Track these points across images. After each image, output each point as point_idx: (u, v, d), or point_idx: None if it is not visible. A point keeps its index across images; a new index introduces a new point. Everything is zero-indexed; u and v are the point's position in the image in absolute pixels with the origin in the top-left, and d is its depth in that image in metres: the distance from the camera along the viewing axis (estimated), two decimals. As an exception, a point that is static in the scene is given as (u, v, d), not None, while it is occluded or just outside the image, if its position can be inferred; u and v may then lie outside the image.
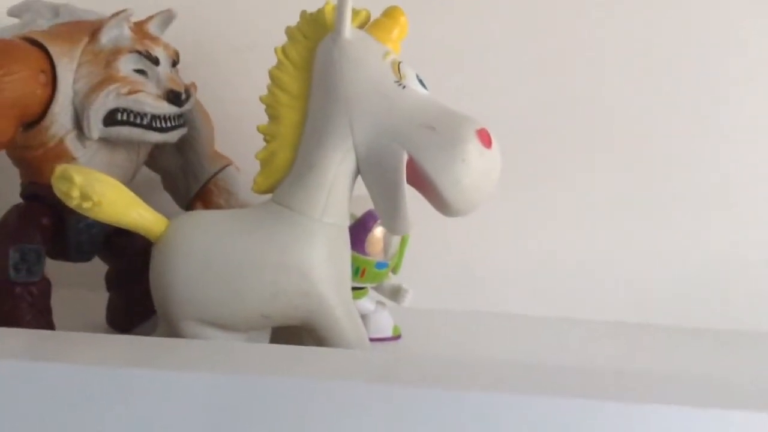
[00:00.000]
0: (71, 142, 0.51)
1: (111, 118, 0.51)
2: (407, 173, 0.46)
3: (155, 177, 0.62)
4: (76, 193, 0.43)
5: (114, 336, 0.47)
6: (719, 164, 0.71)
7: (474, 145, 0.46)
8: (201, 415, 0.39)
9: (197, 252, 0.47)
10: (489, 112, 0.67)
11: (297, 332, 0.50)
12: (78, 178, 0.43)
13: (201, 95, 0.59)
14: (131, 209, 0.46)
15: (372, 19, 0.51)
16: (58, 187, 0.44)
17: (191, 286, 0.46)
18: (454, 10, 0.71)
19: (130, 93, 0.51)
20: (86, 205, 0.44)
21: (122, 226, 0.47)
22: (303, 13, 0.50)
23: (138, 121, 0.51)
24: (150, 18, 0.55)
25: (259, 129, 0.50)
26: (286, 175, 0.49)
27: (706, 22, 0.71)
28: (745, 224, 0.71)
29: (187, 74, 0.58)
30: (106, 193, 0.45)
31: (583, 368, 0.44)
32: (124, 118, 0.51)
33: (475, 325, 0.68)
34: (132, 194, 0.47)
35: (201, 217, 0.49)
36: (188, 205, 0.59)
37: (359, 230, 0.57)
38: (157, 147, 0.57)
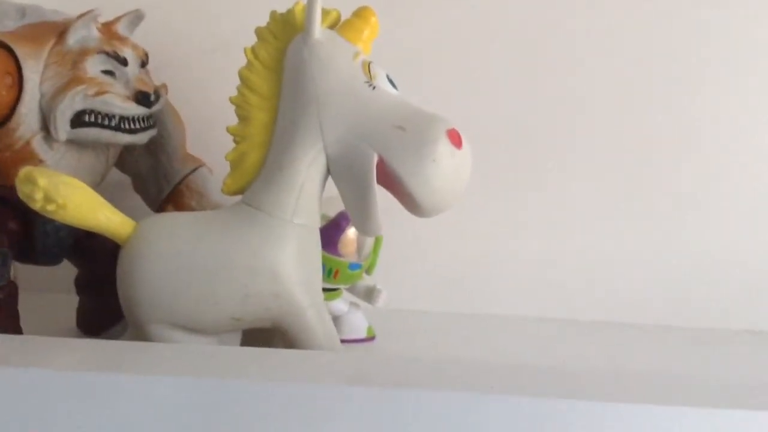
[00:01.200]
0: (38, 144, 0.51)
1: (78, 120, 0.50)
2: (378, 174, 0.46)
3: (126, 179, 0.61)
4: (39, 196, 0.43)
5: (82, 340, 0.46)
6: (708, 166, 0.71)
7: (444, 146, 0.46)
8: (172, 420, 0.39)
9: (165, 254, 0.46)
10: (465, 112, 0.69)
11: (268, 334, 0.50)
12: (42, 181, 0.43)
13: (173, 96, 0.59)
14: (97, 212, 0.46)
15: (343, 20, 0.51)
16: (22, 190, 0.43)
17: (159, 289, 0.46)
18: (434, 11, 0.71)
19: (97, 94, 0.50)
20: (50, 207, 0.43)
21: (88, 229, 0.46)
22: (273, 14, 0.50)
23: (106, 122, 0.51)
24: (118, 18, 0.54)
25: (228, 130, 0.50)
26: (257, 177, 0.49)
27: (684, 24, 0.71)
28: (735, 224, 0.72)
29: (158, 75, 0.58)
30: (71, 195, 0.44)
31: (561, 368, 0.44)
32: (92, 119, 0.51)
33: (450, 326, 0.68)
34: (98, 197, 0.46)
35: (169, 219, 0.48)
36: (159, 207, 0.59)
37: (332, 231, 0.57)
38: (128, 149, 0.57)
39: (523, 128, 0.72)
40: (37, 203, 0.43)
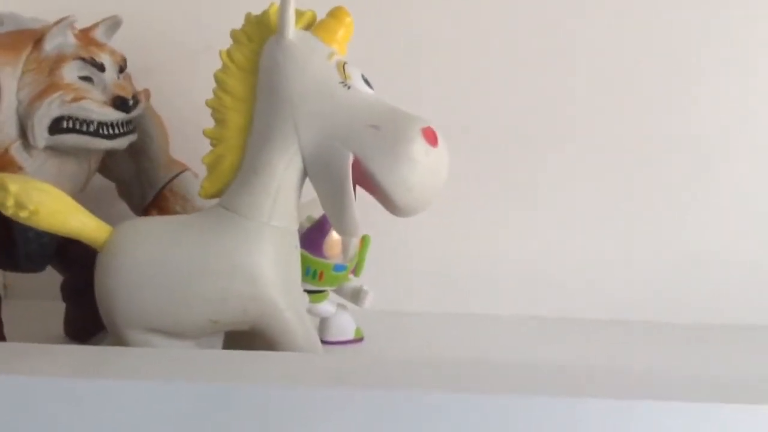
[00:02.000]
0: (17, 152, 0.51)
1: (57, 126, 0.51)
2: (355, 174, 0.46)
3: (111, 185, 0.61)
4: (10, 202, 0.43)
5: (62, 346, 0.47)
6: (708, 165, 0.70)
7: (419, 144, 0.45)
8: (154, 425, 0.39)
9: (141, 259, 0.46)
10: (462, 110, 0.68)
11: (250, 337, 0.50)
12: (13, 187, 0.43)
13: (160, 100, 0.59)
14: (71, 217, 0.46)
15: (318, 20, 0.50)
16: (-6, 197, 0.44)
17: (135, 293, 0.46)
18: (433, 11, 0.70)
19: (74, 100, 0.50)
20: (22, 214, 0.44)
21: (64, 235, 0.46)
22: (247, 16, 0.50)
23: (84, 128, 0.51)
24: (96, 25, 0.55)
25: (205, 133, 0.50)
26: (234, 179, 0.48)
27: (684, 24, 0.69)
28: (734, 222, 0.71)
29: (145, 79, 0.58)
30: (44, 201, 0.44)
31: (557, 367, 0.43)
32: (70, 125, 0.51)
33: (442, 327, 0.67)
34: (73, 202, 0.47)
35: (144, 223, 0.49)
36: (144, 212, 0.59)
37: (316, 233, 0.57)
38: (110, 154, 0.57)
39: (519, 127, 0.71)
40: (8, 209, 0.44)
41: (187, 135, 0.62)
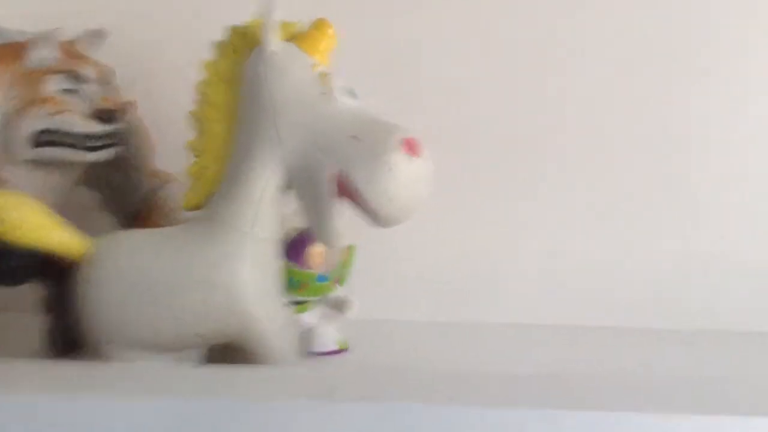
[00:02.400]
0: (0, 165, 0.51)
1: (39, 139, 0.51)
2: (338, 185, 0.46)
3: (94, 196, 0.61)
4: (-11, 217, 0.43)
5: (42, 361, 0.47)
6: (709, 167, 0.70)
7: (399, 154, 0.46)
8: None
9: (123, 272, 0.46)
10: (462, 113, 0.68)
11: (233, 353, 0.50)
12: (-9, 202, 0.43)
13: (144, 112, 0.59)
14: (51, 231, 0.46)
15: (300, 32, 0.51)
16: (-27, 212, 0.44)
17: (117, 307, 0.46)
18: (436, 13, 0.70)
19: (57, 113, 0.50)
20: (2, 228, 0.44)
21: (43, 248, 0.46)
22: (232, 28, 0.50)
23: (67, 141, 0.51)
24: (80, 37, 0.55)
25: (188, 144, 0.50)
26: (217, 190, 0.49)
27: (684, 25, 0.70)
28: (738, 226, 0.71)
29: (129, 91, 0.58)
30: (23, 216, 0.44)
31: (537, 375, 0.43)
32: (53, 138, 0.51)
33: (429, 335, 0.67)
34: (53, 216, 0.47)
35: (125, 236, 0.49)
36: (130, 224, 0.59)
37: (299, 243, 0.57)
38: (94, 166, 0.57)
39: (517, 129, 0.70)
40: (-13, 224, 0.44)
41: (172, 146, 0.62)
